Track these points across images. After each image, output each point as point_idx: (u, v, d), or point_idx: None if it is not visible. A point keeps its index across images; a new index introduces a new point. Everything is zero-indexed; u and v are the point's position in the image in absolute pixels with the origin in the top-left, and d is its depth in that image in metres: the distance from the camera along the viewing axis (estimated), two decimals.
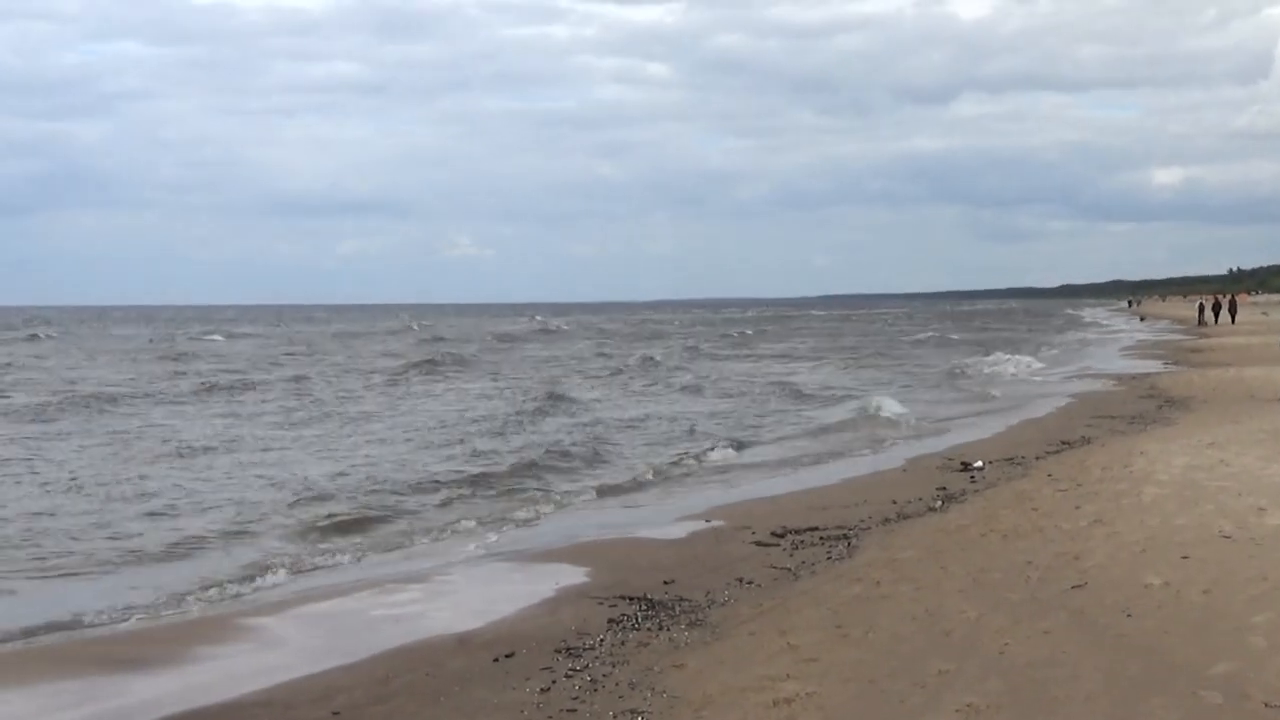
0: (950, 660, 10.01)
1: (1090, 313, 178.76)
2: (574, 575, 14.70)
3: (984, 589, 12.28)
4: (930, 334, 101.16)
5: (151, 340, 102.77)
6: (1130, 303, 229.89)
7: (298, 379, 51.08)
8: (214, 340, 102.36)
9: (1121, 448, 21.52)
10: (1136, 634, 10.28)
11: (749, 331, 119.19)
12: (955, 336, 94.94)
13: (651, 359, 64.59)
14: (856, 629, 11.22)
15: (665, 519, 18.55)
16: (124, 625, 13.36)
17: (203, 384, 47.62)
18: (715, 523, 17.61)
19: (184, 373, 56.40)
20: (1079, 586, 11.93)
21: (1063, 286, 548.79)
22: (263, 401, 40.64)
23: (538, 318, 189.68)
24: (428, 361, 61.11)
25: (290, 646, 12.18)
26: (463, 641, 12.03)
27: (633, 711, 9.49)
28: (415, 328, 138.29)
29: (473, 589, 14.37)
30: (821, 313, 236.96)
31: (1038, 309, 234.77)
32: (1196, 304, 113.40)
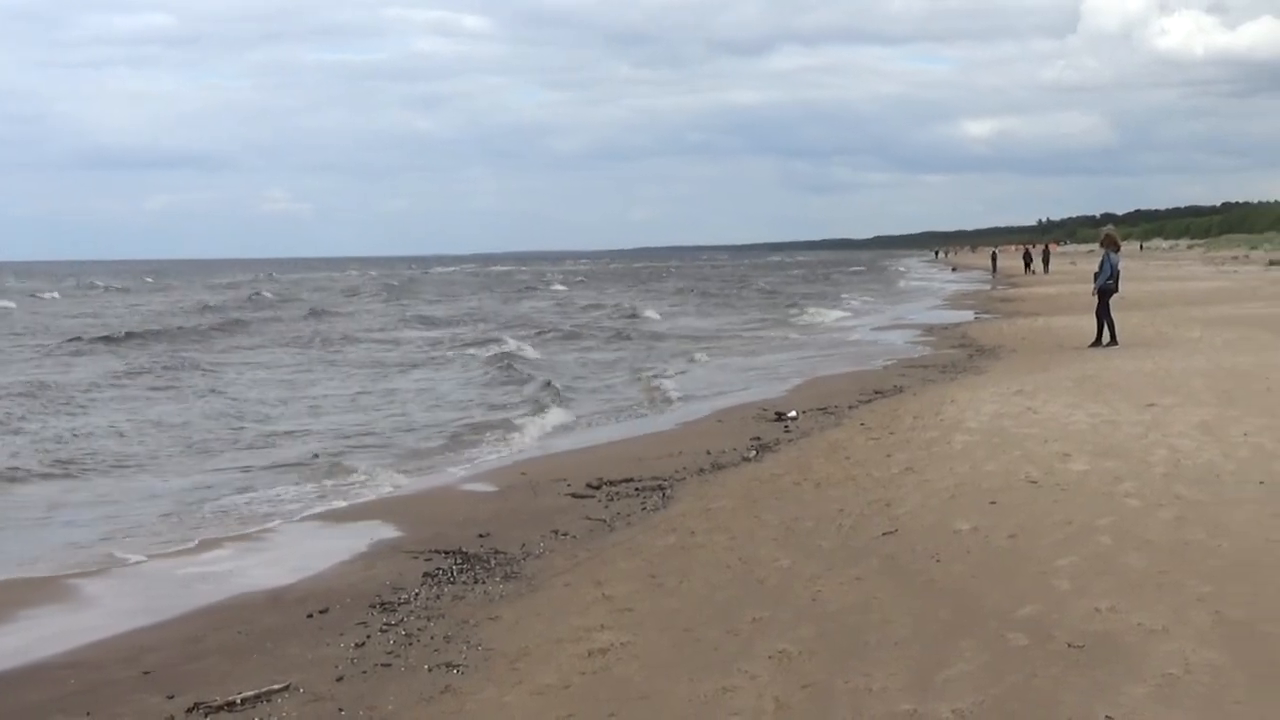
0: (764, 608, 10.10)
1: (905, 264, 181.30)
2: (388, 530, 14.57)
3: (797, 537, 12.41)
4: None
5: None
6: (937, 254, 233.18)
7: None
8: None
9: (933, 396, 21.87)
10: (945, 579, 10.46)
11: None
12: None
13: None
14: (671, 579, 11.28)
15: (478, 472, 18.49)
16: None
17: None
18: (529, 475, 17.54)
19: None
20: (890, 533, 12.09)
21: (876, 238, 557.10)
22: None
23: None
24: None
25: (102, 606, 11.94)
26: (276, 598, 11.88)
27: (448, 664, 9.45)
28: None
29: (286, 546, 14.18)
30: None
31: (854, 260, 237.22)
32: (989, 254, 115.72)
